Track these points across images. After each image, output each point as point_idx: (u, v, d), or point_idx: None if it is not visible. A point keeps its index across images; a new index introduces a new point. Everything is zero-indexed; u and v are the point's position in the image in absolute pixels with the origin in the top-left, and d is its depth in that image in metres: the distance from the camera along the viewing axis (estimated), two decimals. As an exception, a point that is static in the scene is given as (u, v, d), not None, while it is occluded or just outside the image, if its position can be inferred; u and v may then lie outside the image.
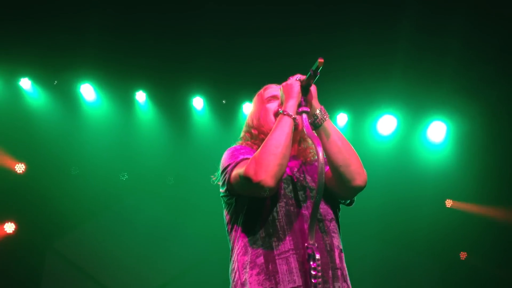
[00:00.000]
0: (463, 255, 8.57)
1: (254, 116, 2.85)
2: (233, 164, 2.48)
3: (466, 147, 8.38)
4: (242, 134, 2.88)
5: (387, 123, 8.39)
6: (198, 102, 8.25)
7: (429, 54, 7.18)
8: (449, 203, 8.68)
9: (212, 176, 2.78)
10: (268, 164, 2.26)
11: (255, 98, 2.94)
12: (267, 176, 2.25)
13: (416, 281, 8.65)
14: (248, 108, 8.07)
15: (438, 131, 8.45)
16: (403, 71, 7.30)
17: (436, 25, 6.78)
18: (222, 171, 2.57)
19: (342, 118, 8.24)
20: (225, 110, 8.31)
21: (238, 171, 2.40)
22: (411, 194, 8.44)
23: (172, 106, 8.26)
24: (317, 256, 2.24)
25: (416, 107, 8.17)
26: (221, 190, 2.61)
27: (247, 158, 2.46)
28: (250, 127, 2.83)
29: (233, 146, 2.73)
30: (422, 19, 6.66)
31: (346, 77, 7.25)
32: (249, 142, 2.77)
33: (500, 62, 7.10)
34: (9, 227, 7.66)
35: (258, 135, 2.75)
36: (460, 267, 8.52)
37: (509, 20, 6.52)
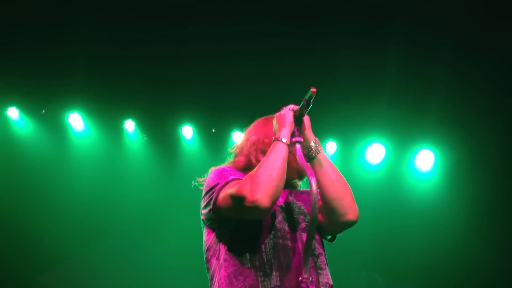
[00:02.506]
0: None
1: (249, 140, 2.67)
2: (223, 184, 2.31)
3: (454, 176, 8.22)
4: (232, 158, 2.73)
5: (375, 152, 8.28)
6: (187, 131, 8.13)
7: (417, 82, 7.11)
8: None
9: (198, 178, 2.66)
10: (265, 183, 2.13)
11: (254, 124, 2.77)
12: (263, 195, 2.11)
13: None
14: (238, 135, 7.89)
15: (426, 160, 8.30)
16: (391, 98, 7.22)
17: (424, 52, 6.74)
18: (208, 191, 2.38)
19: (331, 147, 8.13)
20: (214, 138, 8.18)
21: (229, 190, 2.24)
22: (401, 223, 8.24)
23: (161, 135, 8.13)
24: None
25: (404, 135, 8.06)
26: (204, 211, 2.43)
27: (239, 179, 2.31)
28: (241, 151, 2.67)
29: (221, 166, 2.57)
30: (410, 46, 6.60)
31: (335, 104, 7.12)
32: (238, 162, 2.63)
33: (488, 90, 7.01)
34: (-5, 260, 7.46)
35: (248, 161, 2.60)
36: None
37: (497, 49, 6.46)
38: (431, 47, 6.70)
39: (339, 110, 7.43)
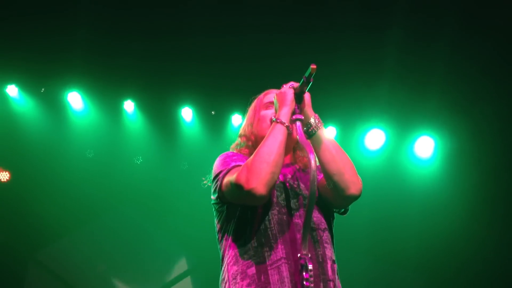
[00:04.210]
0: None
1: (248, 122, 2.77)
2: (225, 171, 2.38)
3: (455, 162, 8.04)
4: (237, 140, 2.79)
5: (375, 138, 8.11)
6: (187, 113, 7.96)
7: (419, 64, 6.84)
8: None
9: (203, 179, 2.71)
10: (260, 172, 2.18)
11: (253, 103, 2.82)
12: (259, 183, 2.16)
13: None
14: (238, 118, 7.84)
15: (426, 146, 8.14)
16: (392, 81, 7.00)
17: (427, 32, 6.47)
18: (214, 178, 2.47)
19: (330, 132, 7.82)
20: (214, 121, 8.06)
21: (229, 178, 2.30)
22: (400, 210, 8.10)
23: (161, 116, 7.97)
24: (310, 267, 2.14)
25: (405, 121, 7.85)
26: (212, 197, 2.51)
27: (238, 165, 2.35)
28: (242, 133, 2.76)
29: (226, 152, 2.63)
30: (412, 25, 6.36)
31: (334, 87, 6.91)
32: (242, 149, 2.68)
33: (493, 73, 6.72)
34: (-8, 237, 7.25)
35: (247, 141, 2.68)
36: (450, 285, 8.41)
37: (499, 32, 6.19)
38: (433, 27, 6.40)
39: (339, 93, 7.21)
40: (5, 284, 7.29)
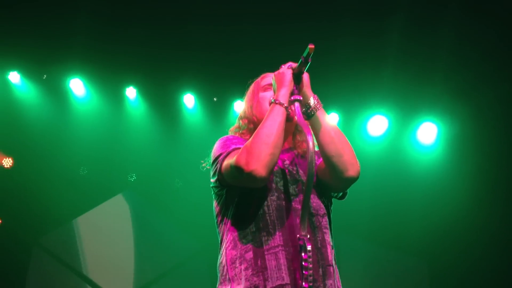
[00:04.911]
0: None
1: (247, 105, 2.73)
2: (225, 154, 2.36)
3: (457, 149, 8.01)
4: (236, 123, 2.76)
5: (378, 124, 8.07)
6: (189, 100, 7.93)
7: (421, 49, 6.77)
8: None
9: (202, 161, 2.66)
10: (260, 154, 2.15)
11: (251, 87, 2.78)
12: (258, 165, 2.14)
13: (407, 283, 8.56)
14: (240, 105, 7.65)
15: (428, 132, 8.12)
16: (395, 67, 6.92)
17: (430, 16, 6.37)
18: (213, 161, 2.44)
19: (333, 118, 7.84)
20: (216, 107, 8.03)
21: (229, 161, 2.28)
22: (402, 196, 8.10)
23: (163, 102, 7.95)
24: (309, 247, 2.13)
25: (408, 107, 7.79)
26: (212, 180, 2.48)
27: (238, 148, 2.32)
28: (242, 116, 2.72)
29: (226, 135, 2.61)
30: (415, 10, 6.26)
31: (337, 73, 6.87)
32: (243, 132, 2.65)
33: (497, 58, 6.62)
34: (-5, 222, 7.24)
35: (248, 124, 2.64)
36: (452, 270, 8.42)
37: (502, 17, 6.10)
38: (436, 12, 6.31)
39: (342, 80, 7.14)
40: (10, 268, 7.35)
